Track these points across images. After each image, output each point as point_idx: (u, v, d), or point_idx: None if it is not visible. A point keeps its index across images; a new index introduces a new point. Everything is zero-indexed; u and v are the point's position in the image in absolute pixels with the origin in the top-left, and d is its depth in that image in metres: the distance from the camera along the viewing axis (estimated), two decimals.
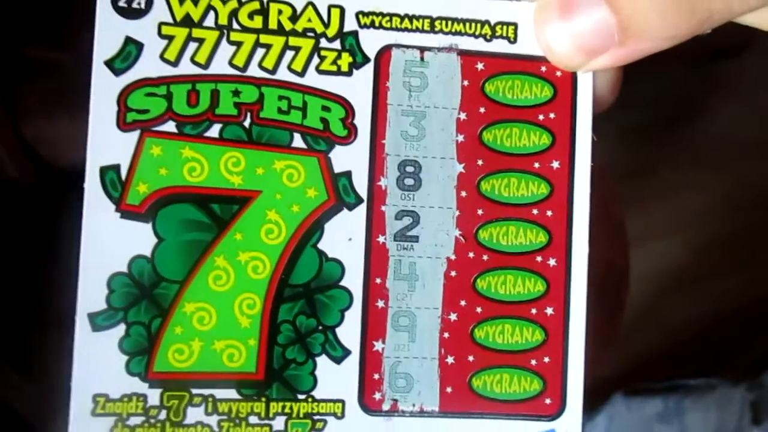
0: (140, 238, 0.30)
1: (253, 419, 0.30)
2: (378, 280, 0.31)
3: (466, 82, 0.32)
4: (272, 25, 0.31)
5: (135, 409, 0.30)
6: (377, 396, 0.31)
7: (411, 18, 0.31)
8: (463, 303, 0.32)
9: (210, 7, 0.30)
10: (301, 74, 0.31)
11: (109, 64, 0.30)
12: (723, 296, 0.94)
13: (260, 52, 0.31)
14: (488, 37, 0.32)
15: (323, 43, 0.31)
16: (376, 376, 0.31)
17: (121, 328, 0.30)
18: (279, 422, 0.31)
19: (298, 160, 0.31)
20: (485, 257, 0.32)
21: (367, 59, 0.31)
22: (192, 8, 0.30)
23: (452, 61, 0.32)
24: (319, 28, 0.31)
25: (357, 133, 0.31)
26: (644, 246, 0.87)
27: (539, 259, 0.32)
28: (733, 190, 0.96)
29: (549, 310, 0.32)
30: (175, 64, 0.30)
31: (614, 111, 0.35)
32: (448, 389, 0.32)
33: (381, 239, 0.31)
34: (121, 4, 0.30)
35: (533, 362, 0.32)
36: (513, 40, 0.32)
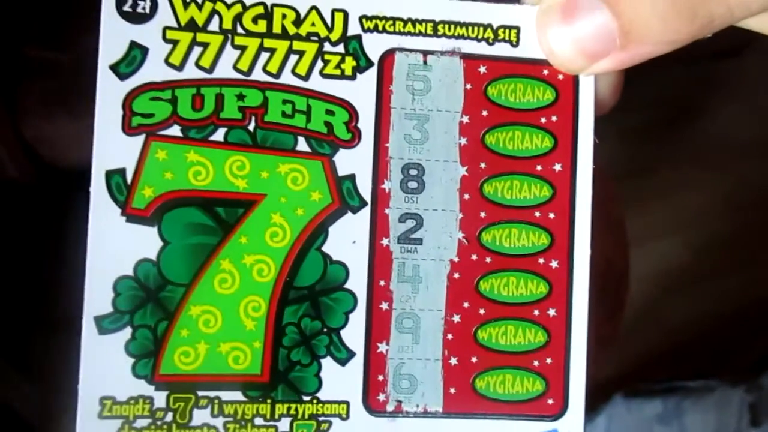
0: (146, 242, 0.30)
1: (258, 421, 0.31)
2: (382, 283, 0.31)
3: (468, 86, 0.32)
4: (276, 29, 0.31)
5: (141, 412, 0.30)
6: (381, 397, 0.31)
7: (414, 22, 0.32)
8: (466, 305, 0.32)
9: (214, 12, 0.31)
10: (305, 78, 0.31)
11: (114, 68, 0.30)
12: (723, 296, 0.94)
13: (264, 56, 0.31)
14: (491, 41, 0.32)
15: (327, 47, 0.31)
16: (381, 378, 0.31)
17: (127, 331, 0.30)
18: (284, 424, 0.31)
19: (302, 164, 0.31)
20: (488, 259, 0.32)
21: (370, 63, 0.31)
22: (196, 13, 0.30)
23: (455, 65, 0.32)
24: (323, 32, 0.31)
25: (361, 137, 0.31)
26: (644, 246, 0.87)
27: (541, 261, 0.32)
28: (733, 190, 0.96)
29: (551, 312, 0.32)
30: (179, 68, 0.30)
31: (614, 111, 0.35)
32: (452, 390, 0.32)
33: (385, 242, 0.32)
34: (126, 8, 0.30)
35: (536, 363, 0.32)
36: (515, 44, 0.32)
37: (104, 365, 0.30)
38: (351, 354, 0.31)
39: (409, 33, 0.32)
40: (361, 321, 0.31)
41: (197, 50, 0.31)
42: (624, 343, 0.67)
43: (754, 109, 0.98)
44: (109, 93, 0.30)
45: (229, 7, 0.31)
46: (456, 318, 0.32)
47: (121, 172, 0.30)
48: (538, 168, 0.32)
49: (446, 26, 0.32)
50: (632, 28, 0.29)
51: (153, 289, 0.30)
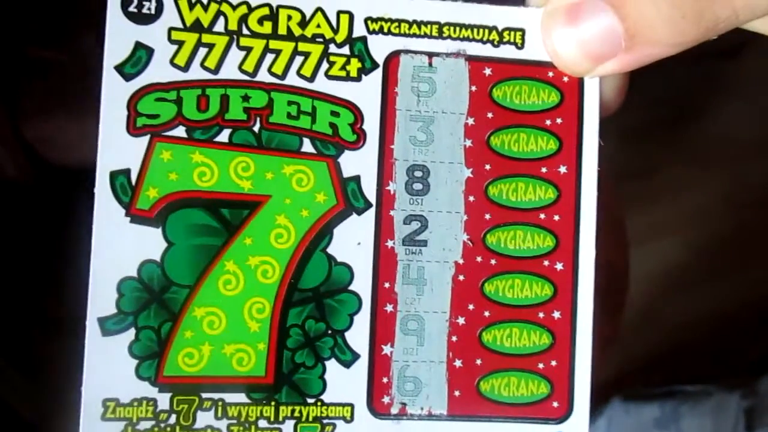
0: (150, 243, 0.30)
1: (262, 423, 0.31)
2: (386, 285, 0.31)
3: (473, 88, 0.32)
4: (282, 30, 0.31)
5: (145, 414, 0.30)
6: (386, 400, 0.31)
7: (419, 24, 0.32)
8: (471, 307, 0.32)
9: (220, 13, 0.31)
10: (311, 79, 0.31)
11: (119, 69, 0.30)
12: (723, 296, 0.94)
13: (270, 57, 0.31)
14: (496, 43, 0.32)
15: (332, 48, 0.31)
16: (385, 380, 0.31)
17: (131, 333, 0.30)
18: (288, 426, 0.31)
19: (307, 165, 0.31)
20: (493, 261, 0.32)
21: (375, 65, 0.31)
22: (202, 14, 0.30)
23: (460, 67, 0.32)
24: (328, 34, 0.31)
25: (366, 138, 0.31)
26: (644, 246, 0.87)
27: (546, 263, 0.32)
28: (733, 190, 0.97)
29: (556, 314, 0.32)
30: (185, 69, 0.30)
31: (615, 112, 0.35)
32: (456, 393, 0.32)
33: (389, 244, 0.31)
34: (132, 9, 0.30)
35: (540, 366, 0.32)
36: (520, 46, 0.32)
37: (108, 367, 0.30)
38: (355, 356, 0.31)
39: (414, 35, 0.32)
40: (366, 323, 0.31)
41: (202, 51, 0.30)
42: (624, 344, 0.67)
43: (754, 109, 0.98)
44: (114, 93, 0.30)
45: (234, 8, 0.31)
46: (461, 320, 0.32)
47: (126, 172, 0.30)
48: (543, 170, 0.32)
49: (451, 28, 0.32)
50: (637, 31, 0.29)
51: (157, 290, 0.30)
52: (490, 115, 0.32)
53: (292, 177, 0.31)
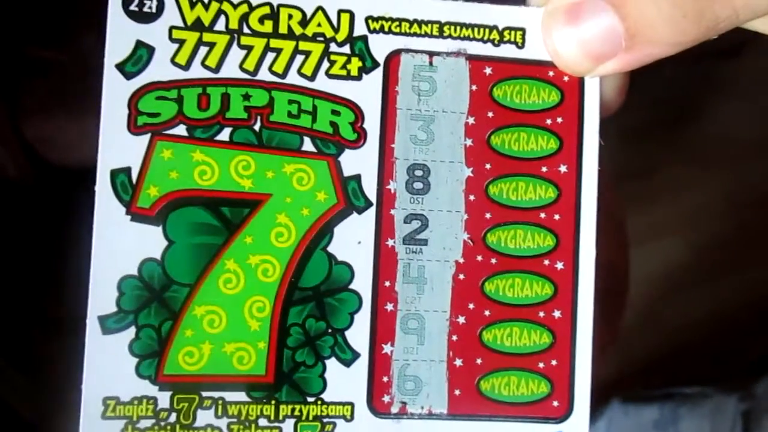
0: (151, 241, 0.30)
1: (262, 422, 0.31)
2: (387, 284, 0.31)
3: (474, 87, 0.32)
4: (282, 29, 0.31)
5: (145, 412, 0.30)
6: (386, 399, 0.31)
7: (420, 23, 0.32)
8: (471, 306, 0.32)
9: (221, 12, 0.31)
10: (311, 78, 0.31)
11: (120, 67, 0.30)
12: (723, 296, 0.94)
13: (270, 56, 0.31)
14: (496, 42, 0.32)
15: (333, 47, 0.31)
16: (385, 379, 0.31)
17: (131, 331, 0.30)
18: (288, 425, 0.31)
19: (307, 164, 0.31)
20: (493, 260, 0.32)
21: (376, 64, 0.31)
22: (203, 12, 0.30)
23: (461, 66, 0.32)
24: (329, 33, 0.31)
25: (366, 137, 0.31)
26: (645, 246, 0.87)
27: (547, 262, 0.32)
28: (733, 190, 0.97)
29: (556, 313, 0.32)
30: (185, 67, 0.30)
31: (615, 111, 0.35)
32: (457, 392, 0.32)
33: (390, 242, 0.32)
34: (133, 8, 0.30)
35: (541, 365, 0.32)
36: (521, 46, 0.32)
37: (108, 365, 0.30)
38: (356, 355, 0.31)
39: (414, 34, 0.32)
40: (366, 322, 0.31)
41: (203, 50, 0.30)
42: (623, 345, 0.67)
43: (754, 109, 0.98)
44: (115, 92, 0.30)
45: (235, 7, 0.31)
46: (461, 319, 0.32)
47: (127, 171, 0.30)
48: (544, 169, 0.32)
49: (452, 27, 0.32)
50: (638, 30, 0.29)
51: (157, 288, 0.30)
52: (490, 114, 0.32)
53: (292, 176, 0.31)
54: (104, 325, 0.30)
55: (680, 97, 0.98)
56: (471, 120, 0.32)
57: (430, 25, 0.32)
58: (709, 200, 0.96)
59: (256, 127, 0.31)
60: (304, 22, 0.31)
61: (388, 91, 0.32)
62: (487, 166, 0.32)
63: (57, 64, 0.62)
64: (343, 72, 0.31)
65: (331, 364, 0.31)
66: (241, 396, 0.31)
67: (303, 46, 0.31)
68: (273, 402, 0.31)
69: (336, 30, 0.31)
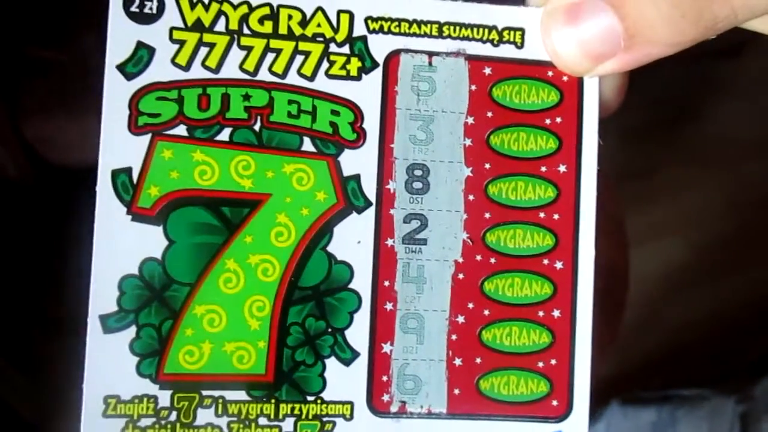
0: (151, 241, 0.30)
1: (262, 421, 0.31)
2: (386, 283, 0.32)
3: (473, 87, 0.32)
4: (282, 30, 0.31)
5: (146, 411, 0.30)
6: (386, 398, 0.31)
7: (419, 23, 0.32)
8: (470, 305, 0.32)
9: (221, 12, 0.31)
10: (311, 79, 0.31)
11: (120, 68, 0.30)
12: (723, 297, 0.94)
13: (270, 56, 0.31)
14: (495, 42, 0.32)
15: (332, 47, 0.31)
16: (385, 378, 0.31)
17: (132, 330, 0.30)
18: (288, 424, 0.31)
19: (307, 164, 0.31)
20: (493, 260, 0.32)
21: (375, 64, 0.32)
22: (203, 13, 0.31)
23: (460, 66, 0.32)
24: (329, 33, 0.31)
25: (366, 137, 0.31)
26: (645, 246, 0.87)
27: (546, 262, 0.32)
28: (733, 190, 0.97)
29: (556, 313, 0.32)
30: (186, 68, 0.30)
31: (615, 111, 0.35)
32: (456, 391, 0.32)
33: (389, 242, 0.32)
34: (133, 9, 0.30)
35: (540, 364, 0.32)
36: (520, 46, 0.32)
37: (109, 364, 0.30)
38: (355, 354, 0.31)
39: (414, 34, 0.32)
40: (366, 321, 0.31)
41: (204, 50, 0.31)
42: (623, 345, 0.67)
43: (754, 109, 0.98)
44: (116, 93, 0.30)
45: (235, 7, 0.31)
46: (460, 319, 0.32)
47: (127, 171, 0.30)
48: (543, 169, 0.32)
49: (451, 28, 0.32)
50: (637, 30, 0.29)
51: (158, 288, 0.30)
52: (489, 114, 0.32)
53: (292, 176, 0.31)
54: (105, 325, 0.30)
55: (680, 97, 0.98)
56: (470, 120, 0.32)
57: (429, 26, 0.32)
58: (709, 200, 0.96)
59: (256, 128, 0.31)
60: (304, 23, 0.31)
61: (388, 91, 0.32)
62: (487, 165, 0.32)
63: (57, 64, 0.62)
64: (343, 72, 0.31)
65: (331, 363, 0.31)
66: (241, 395, 0.31)
67: (303, 46, 0.31)
68: (273, 401, 0.31)
69: (335, 30, 0.31)
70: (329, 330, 0.31)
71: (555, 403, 0.32)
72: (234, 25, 0.31)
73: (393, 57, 0.32)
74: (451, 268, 0.32)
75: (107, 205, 0.30)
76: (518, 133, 0.32)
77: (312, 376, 0.31)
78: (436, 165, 0.32)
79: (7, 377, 0.62)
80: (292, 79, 0.31)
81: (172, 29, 0.30)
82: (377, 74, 0.32)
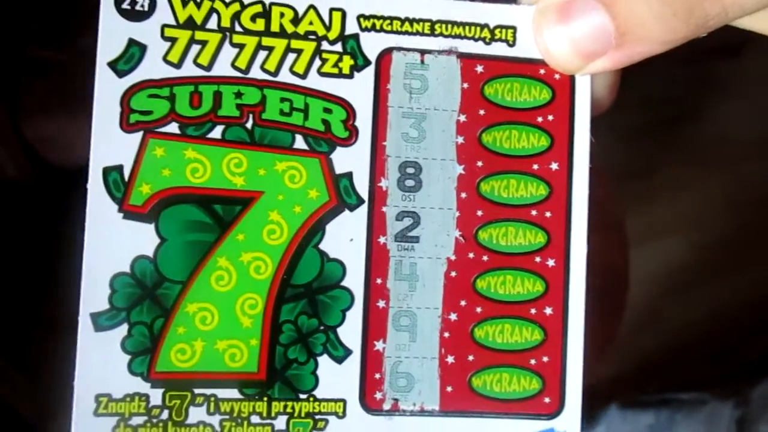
0: (143, 239, 0.30)
1: (255, 419, 0.31)
2: (379, 281, 0.32)
3: (465, 85, 0.32)
4: (274, 27, 0.31)
5: (137, 409, 0.30)
6: (378, 395, 0.31)
7: (411, 21, 0.32)
8: (463, 303, 0.32)
9: (213, 10, 0.31)
10: (303, 76, 0.31)
11: (112, 65, 0.30)
12: (723, 297, 0.94)
13: (262, 54, 0.31)
14: (487, 41, 0.32)
15: (325, 45, 0.31)
16: (377, 376, 0.31)
17: (123, 328, 0.30)
18: (281, 422, 0.31)
19: (299, 162, 0.31)
20: (485, 258, 0.32)
21: (368, 62, 0.32)
22: (195, 11, 0.31)
23: (452, 64, 0.32)
24: (321, 31, 0.31)
25: (358, 135, 0.31)
26: (645, 246, 0.87)
27: (538, 259, 0.32)
28: (733, 190, 0.96)
29: (548, 310, 0.32)
30: (178, 66, 0.31)
31: (614, 111, 0.35)
32: (449, 388, 0.32)
33: (382, 240, 0.32)
34: (125, 6, 0.30)
35: (532, 362, 0.32)
36: (512, 44, 0.32)
37: (100, 362, 0.30)
38: (348, 352, 0.31)
39: (406, 32, 0.32)
40: (358, 319, 0.31)
41: (195, 48, 0.31)
42: (623, 345, 0.67)
43: (754, 109, 0.98)
44: (108, 90, 0.30)
45: (227, 5, 0.31)
46: (453, 316, 0.32)
47: (119, 168, 0.30)
48: (535, 167, 0.32)
49: (443, 26, 0.32)
50: (628, 28, 0.29)
51: (150, 286, 0.30)
52: (482, 112, 0.32)
53: (284, 173, 0.31)
54: (97, 323, 0.30)
55: (680, 97, 0.98)
56: (462, 118, 0.32)
57: (421, 24, 0.32)
58: (709, 200, 0.96)
59: (249, 125, 0.31)
60: (296, 21, 0.31)
61: (380, 89, 0.32)
62: (479, 163, 0.32)
63: (57, 64, 0.62)
64: (335, 70, 0.31)
65: (323, 361, 0.31)
66: (234, 393, 0.31)
67: (295, 44, 0.31)
68: (265, 399, 0.31)
69: (328, 28, 0.31)
70: (322, 328, 0.31)
71: (547, 400, 0.32)
72: (226, 23, 0.31)
73: (385, 55, 0.32)
74: (444, 265, 0.32)
75: (99, 202, 0.30)
76: (510, 131, 0.32)
77: (304, 373, 0.31)
78: (428, 163, 0.32)
79: (7, 377, 0.62)
80: (285, 76, 0.31)
81: (163, 26, 0.30)
82: (369, 72, 0.32)
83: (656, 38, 0.30)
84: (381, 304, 0.32)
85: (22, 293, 0.64)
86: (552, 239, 0.32)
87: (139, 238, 0.30)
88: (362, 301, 0.31)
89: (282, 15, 0.31)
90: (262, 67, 0.31)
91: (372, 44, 0.32)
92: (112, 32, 0.30)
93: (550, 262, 0.32)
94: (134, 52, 0.30)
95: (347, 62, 0.31)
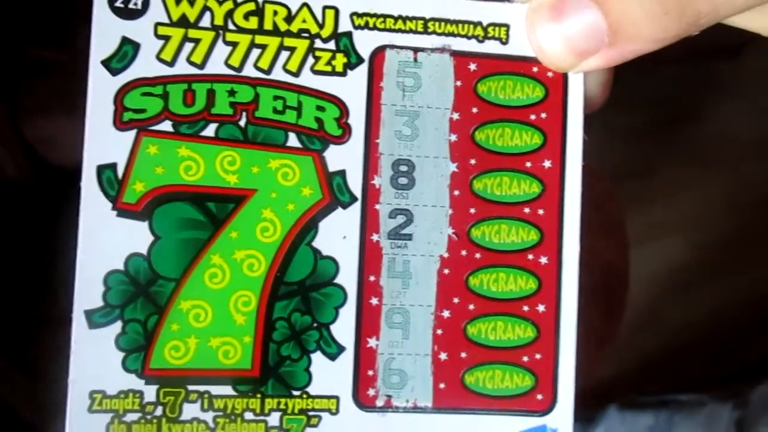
0: (137, 236, 0.30)
1: (248, 415, 0.31)
2: (372, 278, 0.32)
3: (458, 83, 0.32)
4: (267, 25, 0.31)
5: (131, 406, 0.30)
6: (371, 392, 0.32)
7: (404, 19, 0.32)
8: (456, 300, 0.32)
9: (206, 8, 0.31)
10: (296, 74, 0.31)
11: (105, 63, 0.30)
12: (723, 297, 0.94)
13: (256, 52, 0.31)
14: (480, 38, 0.32)
15: (318, 43, 0.31)
16: (371, 373, 0.32)
17: (117, 326, 0.30)
18: (274, 418, 0.31)
19: (293, 159, 0.31)
20: (478, 255, 0.32)
21: (361, 60, 0.32)
22: (188, 9, 0.31)
23: (445, 62, 0.32)
24: (314, 29, 0.31)
25: (351, 133, 0.32)
26: (645, 246, 0.87)
27: (531, 256, 0.32)
28: (733, 190, 0.97)
29: (541, 307, 0.32)
30: (171, 64, 0.31)
31: (614, 111, 0.35)
32: (441, 385, 0.32)
33: (375, 237, 0.32)
34: (118, 4, 0.30)
35: (525, 359, 0.32)
36: (505, 41, 0.32)
37: (94, 359, 0.30)
38: (341, 349, 0.31)
39: (399, 30, 0.32)
40: (351, 316, 0.31)
41: (189, 46, 0.31)
42: (623, 346, 0.67)
43: (754, 109, 0.98)
44: (101, 88, 0.30)
45: (220, 3, 0.31)
46: (446, 313, 0.32)
47: (113, 166, 0.30)
48: (528, 164, 0.32)
49: (436, 24, 0.32)
50: (620, 27, 0.30)
51: (143, 283, 0.30)
52: (475, 110, 0.32)
53: (277, 171, 0.31)
54: (91, 320, 0.30)
55: (680, 97, 0.98)
56: (455, 115, 0.32)
57: (414, 22, 0.32)
58: (709, 200, 0.96)
59: (242, 123, 0.31)
60: (289, 19, 0.31)
61: (373, 87, 0.32)
62: (472, 161, 0.32)
63: (57, 64, 0.62)
64: (328, 68, 0.31)
65: (317, 357, 0.31)
66: (227, 390, 0.31)
67: (288, 42, 0.31)
68: (259, 395, 0.31)
69: (321, 26, 0.31)
70: (315, 325, 0.31)
71: (539, 397, 0.32)
72: (219, 21, 0.31)
73: (378, 53, 0.32)
74: (437, 263, 0.32)
75: (92, 200, 0.30)
76: (503, 129, 0.32)
77: (298, 370, 0.31)
78: (421, 160, 0.32)
79: (7, 377, 0.62)
80: (278, 74, 0.31)
81: (157, 25, 0.30)
82: (363, 70, 0.32)
83: (648, 36, 0.30)
84: (374, 301, 0.32)
85: (22, 293, 0.64)
86: (545, 237, 0.32)
87: (133, 236, 0.30)
88: (355, 298, 0.31)
89: (275, 13, 0.31)
90: (255, 65, 0.31)
91: (365, 42, 0.32)
92: (106, 30, 0.30)
93: (543, 260, 0.32)
94: (127, 50, 0.30)
95: (340, 60, 0.32)
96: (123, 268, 0.30)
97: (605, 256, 0.58)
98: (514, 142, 0.32)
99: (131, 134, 0.30)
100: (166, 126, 0.31)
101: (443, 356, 0.32)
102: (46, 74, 0.62)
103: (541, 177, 0.32)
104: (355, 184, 0.32)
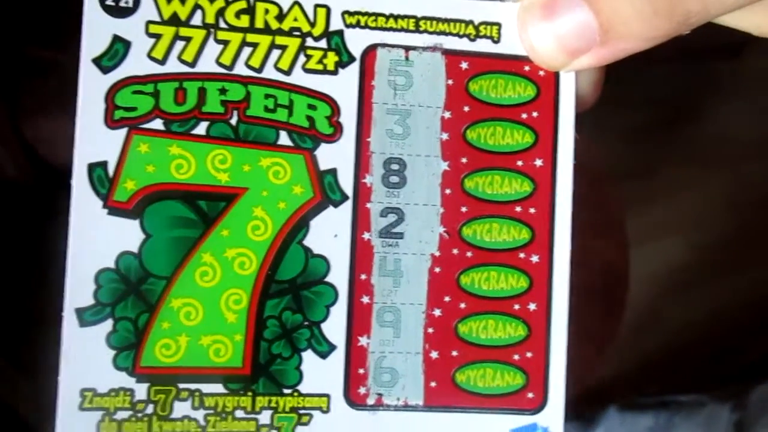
0: (128, 235, 0.30)
1: (239, 413, 0.31)
2: (363, 276, 0.32)
3: (450, 81, 0.32)
4: (259, 24, 0.31)
5: (122, 404, 0.30)
6: (362, 390, 0.32)
7: (396, 18, 0.32)
8: (447, 299, 0.32)
9: (197, 6, 0.31)
10: (288, 73, 0.31)
11: (96, 62, 0.30)
12: (723, 297, 0.94)
13: (247, 50, 0.31)
14: (472, 37, 0.32)
15: (309, 42, 0.31)
16: (362, 371, 0.32)
17: (108, 323, 0.30)
18: (265, 416, 0.31)
19: (284, 158, 0.31)
20: (469, 254, 0.32)
21: (352, 58, 0.32)
22: (179, 7, 0.31)
23: (437, 61, 0.32)
24: (306, 28, 0.31)
25: (343, 131, 0.32)
26: (645, 246, 0.87)
27: (522, 255, 0.32)
28: (733, 190, 0.96)
29: (532, 306, 0.32)
30: (162, 62, 0.31)
31: (614, 111, 0.35)
32: (432, 384, 0.32)
33: (366, 236, 0.32)
34: (109, 2, 0.30)
35: (516, 357, 0.32)
36: (497, 40, 0.32)
37: (85, 357, 0.30)
38: (332, 347, 0.31)
39: (391, 29, 0.32)
40: (342, 314, 0.31)
41: (180, 44, 0.31)
42: (623, 346, 0.67)
43: (754, 109, 0.98)
44: (92, 86, 0.30)
45: (211, 1, 0.31)
46: (437, 312, 0.32)
47: (103, 165, 0.30)
48: (519, 163, 0.32)
49: (428, 22, 0.32)
50: (611, 26, 0.30)
51: (134, 281, 0.30)
52: (466, 108, 0.32)
53: (269, 169, 0.31)
54: (81, 318, 0.30)
55: (680, 97, 0.98)
56: (447, 114, 0.32)
57: (406, 20, 0.32)
58: (709, 200, 0.96)
59: (233, 121, 0.31)
60: (281, 17, 0.31)
61: (365, 86, 0.32)
62: (463, 160, 0.32)
63: (57, 64, 0.62)
64: (320, 66, 0.31)
65: (308, 356, 0.31)
66: (218, 388, 0.31)
67: (279, 40, 0.31)
68: (250, 394, 0.31)
69: (312, 25, 0.31)
70: (306, 323, 0.31)
71: (530, 395, 0.32)
72: (210, 19, 0.31)
73: (370, 51, 0.32)
74: (428, 261, 0.32)
75: (83, 198, 0.30)
76: (495, 128, 0.32)
77: (289, 369, 0.31)
78: (412, 159, 0.32)
79: (7, 377, 0.62)
80: (269, 73, 0.31)
81: (148, 23, 0.31)
82: (354, 68, 0.32)
83: (639, 35, 0.30)
84: (365, 299, 0.32)
85: (22, 293, 0.64)
86: (536, 235, 0.32)
87: (124, 234, 0.30)
88: (346, 296, 0.32)
89: (267, 11, 0.31)
90: (246, 64, 0.31)
91: (356, 41, 0.32)
92: (97, 29, 0.30)
93: (534, 258, 0.32)
94: (118, 48, 0.30)
95: (332, 58, 0.32)
96: (114, 267, 0.30)
97: (605, 256, 0.58)
98: (505, 140, 0.32)
99: (122, 132, 0.30)
100: (157, 124, 0.31)
101: (434, 355, 0.32)
102: (46, 74, 0.62)
103: (533, 176, 0.32)
104: (347, 182, 0.32)
